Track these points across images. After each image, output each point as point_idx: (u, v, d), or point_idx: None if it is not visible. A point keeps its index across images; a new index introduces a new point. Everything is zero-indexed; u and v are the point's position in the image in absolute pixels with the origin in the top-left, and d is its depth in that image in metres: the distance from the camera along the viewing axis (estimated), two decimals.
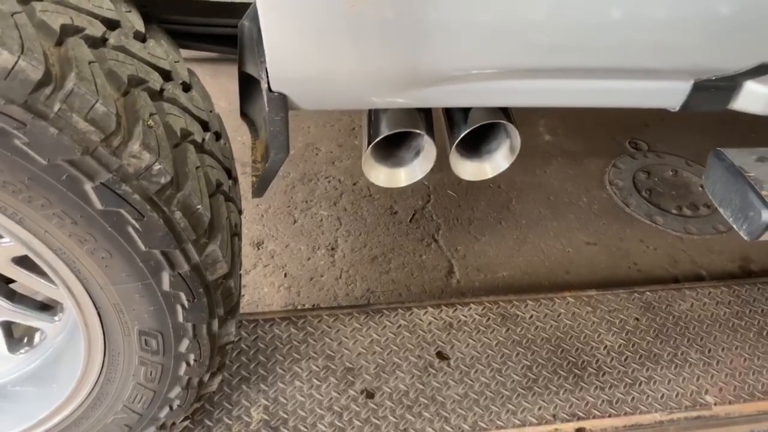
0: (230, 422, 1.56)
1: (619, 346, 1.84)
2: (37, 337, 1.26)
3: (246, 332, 1.76)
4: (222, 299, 1.07)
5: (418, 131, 1.15)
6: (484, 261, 2.30)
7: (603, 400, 1.70)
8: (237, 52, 1.20)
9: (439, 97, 1.06)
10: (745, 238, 1.27)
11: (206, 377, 1.18)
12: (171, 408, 1.19)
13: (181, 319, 1.03)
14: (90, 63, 0.84)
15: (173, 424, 1.25)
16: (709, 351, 1.86)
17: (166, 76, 1.01)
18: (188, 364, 1.11)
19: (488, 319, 1.87)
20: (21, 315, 1.18)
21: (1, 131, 0.77)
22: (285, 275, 2.17)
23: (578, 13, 0.99)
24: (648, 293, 2.02)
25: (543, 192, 2.62)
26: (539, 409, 1.66)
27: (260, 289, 2.12)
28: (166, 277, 0.97)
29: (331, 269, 2.20)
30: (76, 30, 0.85)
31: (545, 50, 1.03)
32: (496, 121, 1.17)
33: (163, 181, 0.89)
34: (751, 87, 1.19)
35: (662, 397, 1.73)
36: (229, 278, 1.06)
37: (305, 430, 1.56)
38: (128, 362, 1.09)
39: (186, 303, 1.01)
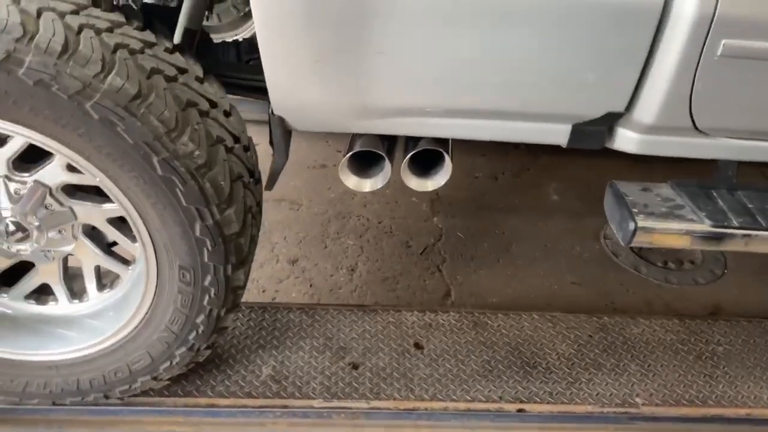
0: (245, 373, 2.06)
1: (569, 354, 2.22)
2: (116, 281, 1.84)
3: (268, 315, 2.28)
4: (234, 251, 1.60)
5: (378, 152, 1.69)
6: (477, 289, 2.73)
7: (545, 391, 2.08)
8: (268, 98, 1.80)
9: (385, 127, 1.60)
10: (622, 243, 1.69)
11: (222, 312, 1.71)
12: (197, 332, 1.71)
13: (206, 259, 1.57)
14: (164, 89, 1.44)
15: (198, 348, 1.77)
16: (648, 366, 2.20)
17: (213, 104, 1.60)
18: (210, 296, 1.64)
19: (462, 324, 2.31)
20: (109, 262, 1.76)
21: (110, 122, 1.37)
22: (310, 286, 2.69)
23: (486, 75, 1.51)
24: (606, 318, 2.39)
25: (541, 240, 3.05)
26: (489, 391, 2.06)
27: (289, 293, 2.65)
28: (197, 226, 1.52)
29: (348, 284, 2.71)
30: (158, 71, 1.46)
31: (460, 97, 1.55)
32: (432, 147, 1.68)
33: (199, 162, 1.46)
34: (621, 131, 1.65)
35: (597, 394, 2.08)
36: (240, 237, 1.60)
37: (300, 385, 2.03)
38: (171, 290, 1.63)
39: (210, 247, 1.56)
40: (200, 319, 1.68)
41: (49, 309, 1.84)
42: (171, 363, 1.77)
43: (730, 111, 1.51)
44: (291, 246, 2.89)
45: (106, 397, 1.85)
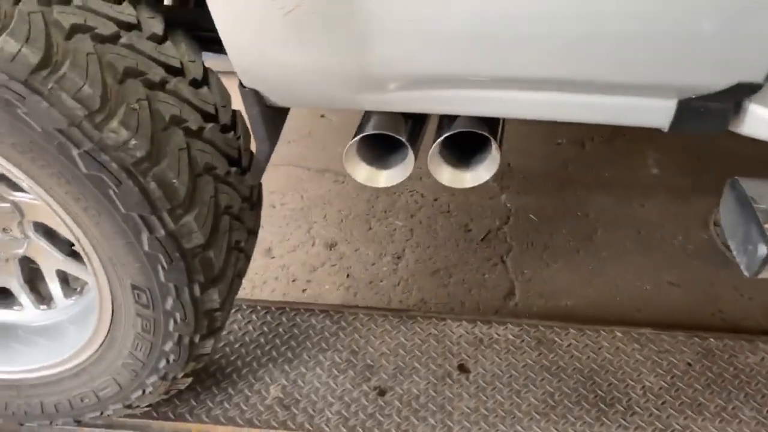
0: (249, 394, 1.71)
1: (659, 389, 1.72)
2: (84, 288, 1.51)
3: (286, 318, 1.92)
4: (201, 267, 1.22)
5: (397, 137, 1.23)
6: (549, 288, 2.25)
7: None
8: None
9: (405, 103, 1.14)
10: (745, 273, 1.17)
11: (196, 338, 1.34)
12: (168, 361, 1.36)
13: (162, 278, 1.20)
14: (88, 54, 1.04)
15: (174, 377, 1.43)
16: None
17: (174, 72, 1.20)
18: (176, 321, 1.28)
19: (522, 341, 1.85)
20: (69, 265, 1.43)
21: (6, 102, 0.99)
22: (348, 276, 2.30)
23: (559, 25, 1.01)
24: (712, 340, 1.85)
25: (635, 226, 2.49)
26: None
27: (322, 285, 2.28)
28: (145, 239, 1.14)
29: (391, 276, 2.30)
30: (86, 29, 1.07)
31: (519, 59, 1.06)
32: (473, 130, 1.20)
33: (138, 154, 1.07)
34: (754, 109, 1.11)
35: None
36: (208, 249, 1.21)
37: (313, 413, 1.66)
38: (128, 312, 1.28)
39: (165, 264, 1.18)
40: (168, 346, 1.33)
41: (11, 315, 1.55)
42: (143, 392, 1.44)
43: None
44: (330, 226, 2.50)
45: (78, 422, 1.56)
